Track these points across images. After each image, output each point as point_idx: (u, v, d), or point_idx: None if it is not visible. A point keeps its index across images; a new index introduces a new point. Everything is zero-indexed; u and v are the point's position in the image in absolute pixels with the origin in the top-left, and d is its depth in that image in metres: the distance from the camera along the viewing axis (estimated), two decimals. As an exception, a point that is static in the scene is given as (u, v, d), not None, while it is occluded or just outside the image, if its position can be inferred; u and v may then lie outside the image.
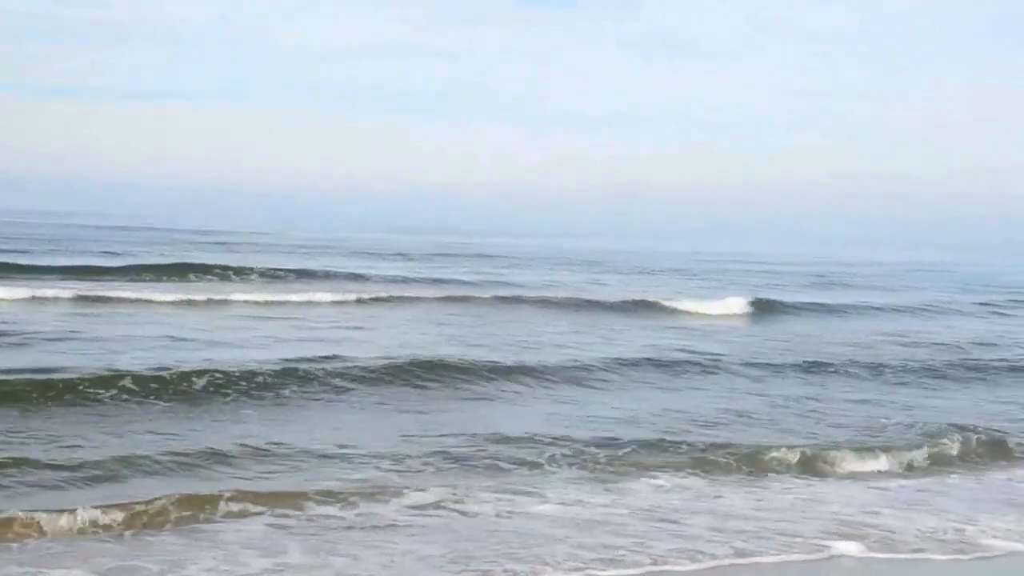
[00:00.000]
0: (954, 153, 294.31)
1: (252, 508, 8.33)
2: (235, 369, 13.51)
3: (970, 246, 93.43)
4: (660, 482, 9.88)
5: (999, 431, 12.74)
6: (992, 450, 11.85)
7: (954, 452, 11.55)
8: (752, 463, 10.64)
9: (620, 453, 10.74)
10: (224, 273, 31.60)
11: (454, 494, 8.95)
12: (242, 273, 31.91)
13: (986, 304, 32.65)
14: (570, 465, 10.26)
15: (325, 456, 10.18)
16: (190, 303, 23.39)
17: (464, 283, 33.02)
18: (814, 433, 12.36)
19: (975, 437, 12.02)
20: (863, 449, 11.36)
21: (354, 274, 33.78)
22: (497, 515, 8.59)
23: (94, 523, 7.82)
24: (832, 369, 17.19)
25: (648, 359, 16.95)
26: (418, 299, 26.58)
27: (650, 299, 28.36)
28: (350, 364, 14.53)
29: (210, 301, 23.79)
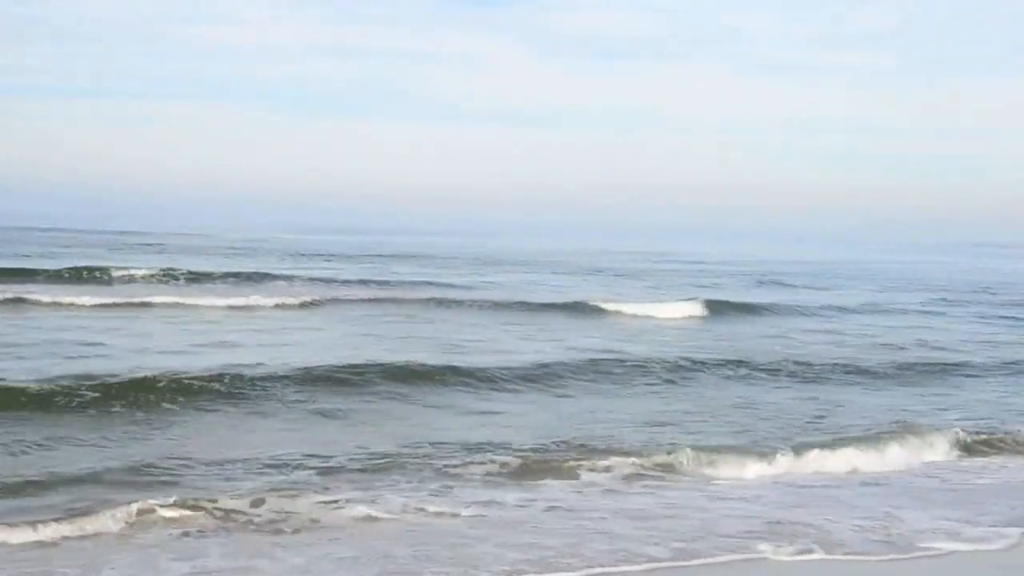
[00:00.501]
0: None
1: (168, 514, 8.42)
2: (158, 376, 13.49)
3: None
4: (577, 483, 10.13)
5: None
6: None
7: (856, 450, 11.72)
8: (664, 467, 10.82)
9: (538, 456, 10.92)
10: (138, 275, 31.27)
11: (372, 498, 9.11)
12: (169, 275, 31.63)
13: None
14: (489, 468, 10.43)
15: (245, 460, 10.31)
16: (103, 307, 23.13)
17: (394, 284, 32.97)
18: (739, 431, 12.69)
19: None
20: (768, 450, 11.53)
21: (274, 275, 33.51)
22: (416, 517, 8.78)
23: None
24: (760, 369, 17.55)
25: (578, 361, 17.13)
26: (348, 301, 26.52)
27: (584, 300, 28.49)
28: (273, 370, 14.57)
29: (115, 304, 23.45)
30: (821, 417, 13.92)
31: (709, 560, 8.07)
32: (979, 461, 11.91)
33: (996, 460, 12.05)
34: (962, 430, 12.68)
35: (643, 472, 10.59)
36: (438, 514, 8.87)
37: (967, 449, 12.28)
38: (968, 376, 18.22)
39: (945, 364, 19.18)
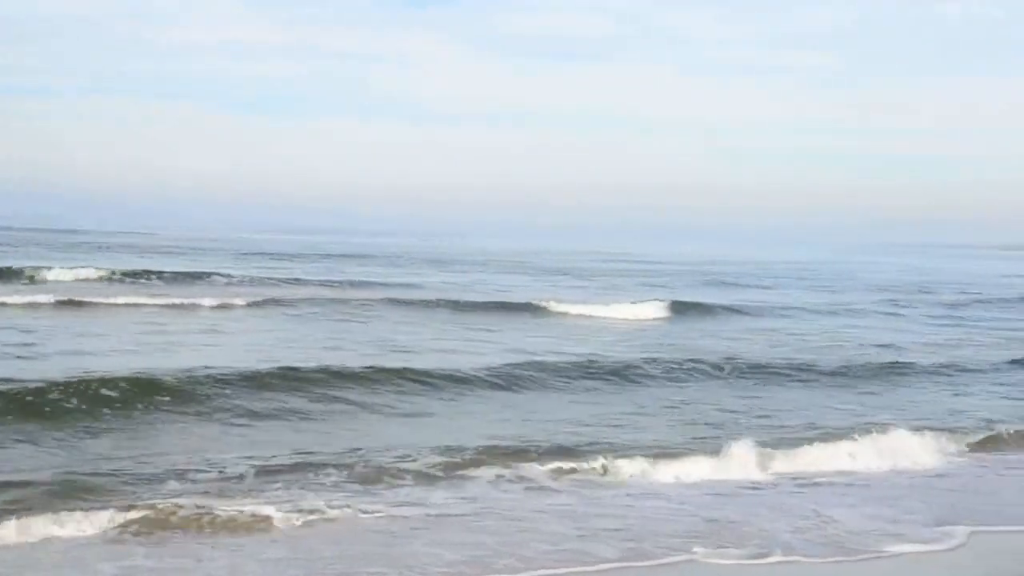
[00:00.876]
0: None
1: (95, 516, 8.30)
2: (88, 379, 13.21)
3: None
4: (511, 483, 10.11)
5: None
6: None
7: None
8: (599, 468, 10.77)
9: (473, 456, 10.85)
10: (76, 275, 30.84)
11: (302, 498, 9.05)
12: (111, 274, 31.24)
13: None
14: (422, 468, 10.34)
15: (178, 462, 10.23)
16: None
17: (341, 284, 32.77)
18: (678, 431, 12.76)
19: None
20: (701, 452, 11.48)
21: (220, 274, 33.22)
22: (346, 516, 8.74)
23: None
24: (705, 369, 17.61)
25: (521, 362, 17.02)
26: (295, 301, 26.26)
27: (533, 301, 28.48)
28: (211, 371, 14.37)
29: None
30: (761, 417, 13.99)
31: (657, 561, 8.06)
32: (903, 462, 11.87)
33: (920, 462, 12.01)
34: (882, 431, 12.68)
35: (578, 473, 10.58)
36: (369, 513, 8.85)
37: (893, 450, 12.25)
38: (906, 375, 18.32)
39: (891, 364, 19.23)
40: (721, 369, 17.60)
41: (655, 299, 30.13)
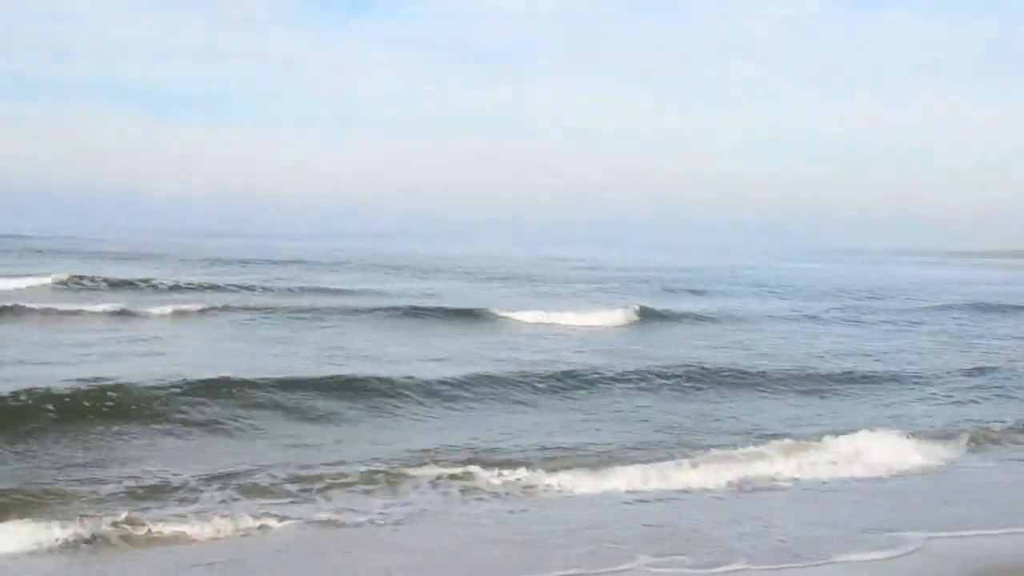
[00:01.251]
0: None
1: (21, 530, 8.09)
2: (19, 391, 12.79)
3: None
4: (447, 493, 9.95)
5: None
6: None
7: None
8: (551, 478, 10.64)
9: (412, 466, 10.68)
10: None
11: (235, 516, 8.79)
12: (40, 281, 30.56)
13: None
14: (356, 478, 10.13)
15: (105, 475, 10.03)
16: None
17: (294, 291, 32.31)
18: (622, 440, 12.66)
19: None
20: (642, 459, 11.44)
21: (150, 282, 32.55)
22: (285, 530, 8.58)
23: None
24: (651, 377, 17.47)
25: (466, 371, 16.75)
26: (234, 308, 25.84)
27: (479, 307, 28.31)
28: (143, 380, 13.98)
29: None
30: (712, 423, 13.98)
31: (604, 570, 7.98)
32: (843, 470, 11.81)
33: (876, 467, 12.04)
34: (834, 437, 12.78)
35: (523, 480, 10.44)
36: (307, 522, 8.71)
37: (847, 455, 12.26)
38: (862, 382, 18.40)
39: (848, 372, 19.24)
40: (675, 376, 17.51)
41: (612, 307, 30.03)
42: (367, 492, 9.75)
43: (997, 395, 17.65)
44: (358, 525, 8.75)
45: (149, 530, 8.23)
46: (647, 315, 29.17)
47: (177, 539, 8.19)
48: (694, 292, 42.07)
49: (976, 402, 16.95)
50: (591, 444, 12.27)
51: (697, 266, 68.50)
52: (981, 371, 20.10)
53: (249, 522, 8.56)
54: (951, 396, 17.42)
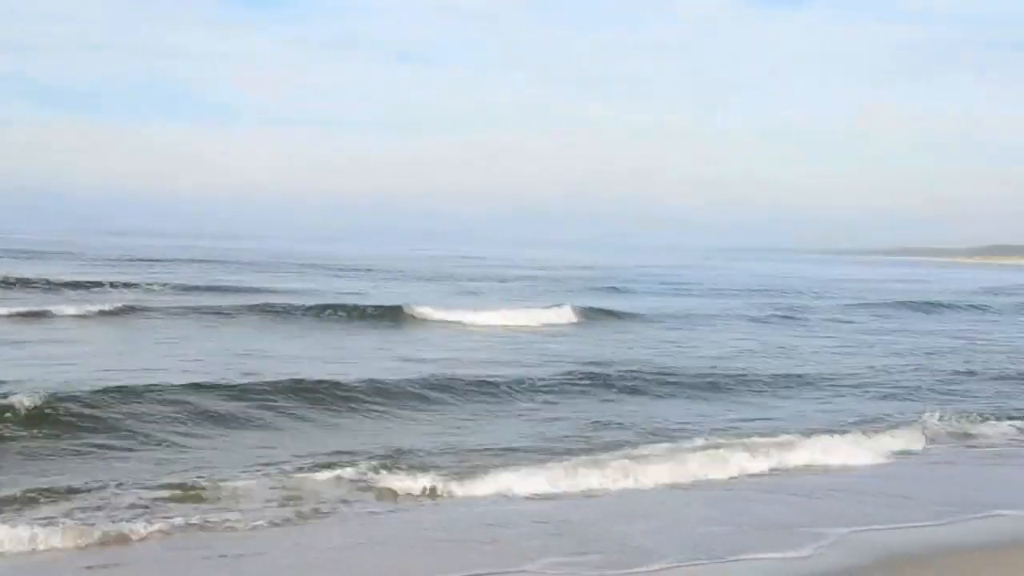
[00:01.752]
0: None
1: None
2: None
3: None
4: (343, 504, 9.56)
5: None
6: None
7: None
8: (455, 481, 10.39)
9: (303, 468, 10.44)
10: None
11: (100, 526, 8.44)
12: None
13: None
14: (250, 486, 9.75)
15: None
16: None
17: (208, 291, 31.75)
18: (523, 444, 12.38)
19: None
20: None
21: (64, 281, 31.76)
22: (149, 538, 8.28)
23: None
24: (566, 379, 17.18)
25: (378, 374, 16.25)
26: (154, 309, 25.18)
27: (398, 306, 27.94)
28: (44, 386, 13.16)
29: None
30: (633, 424, 13.81)
31: (509, 569, 7.90)
32: (752, 480, 11.57)
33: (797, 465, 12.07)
34: (761, 435, 12.88)
35: (426, 482, 10.16)
36: (192, 528, 8.45)
37: (770, 453, 12.25)
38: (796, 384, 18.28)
39: (785, 375, 18.97)
40: (599, 377, 17.26)
41: (548, 306, 29.80)
42: (256, 498, 9.38)
43: (919, 393, 17.76)
44: (247, 531, 8.50)
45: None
46: (587, 315, 29.06)
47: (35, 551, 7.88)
48: (618, 290, 42.32)
49: (913, 400, 17.11)
50: (497, 446, 12.05)
51: (610, 264, 69.06)
52: (915, 368, 20.46)
53: (123, 528, 8.28)
54: (881, 393, 17.54)
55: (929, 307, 39.48)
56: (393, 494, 9.87)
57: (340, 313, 26.67)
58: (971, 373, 20.31)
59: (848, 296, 45.12)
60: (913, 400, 16.92)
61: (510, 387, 16.07)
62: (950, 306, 40.79)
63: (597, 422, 13.88)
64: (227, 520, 8.67)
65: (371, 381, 15.39)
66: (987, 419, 15.07)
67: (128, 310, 24.78)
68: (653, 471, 11.18)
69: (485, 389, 15.77)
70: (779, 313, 33.47)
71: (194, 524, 8.53)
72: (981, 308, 41.04)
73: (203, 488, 9.51)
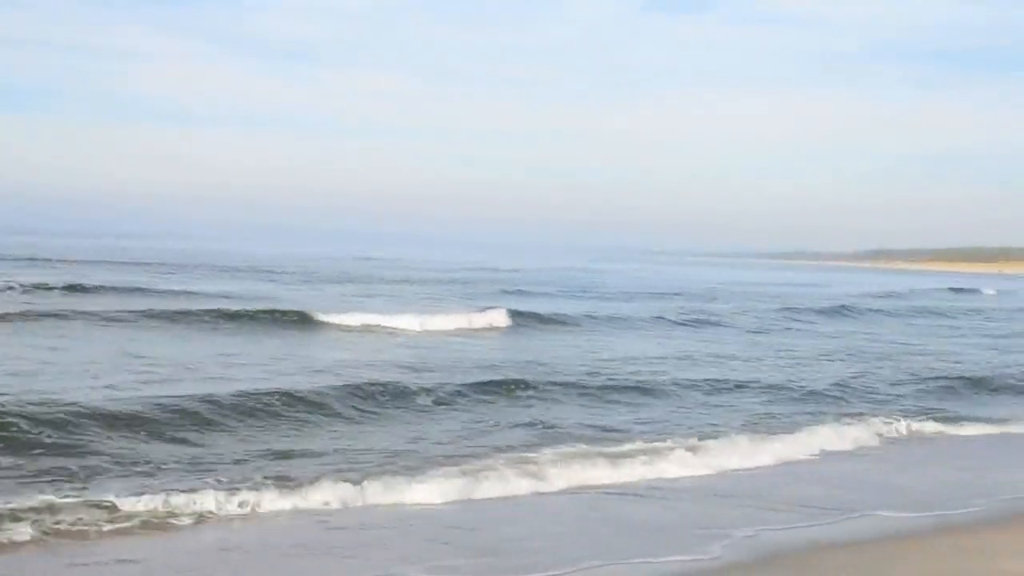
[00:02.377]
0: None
1: None
2: None
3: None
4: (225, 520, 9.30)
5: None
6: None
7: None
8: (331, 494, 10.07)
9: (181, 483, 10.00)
10: None
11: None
12: None
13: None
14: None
15: None
16: None
17: (92, 291, 30.42)
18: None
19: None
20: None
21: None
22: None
23: None
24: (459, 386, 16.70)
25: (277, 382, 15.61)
26: (32, 313, 23.35)
27: (298, 310, 27.11)
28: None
29: None
30: (543, 431, 13.60)
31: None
32: (679, 471, 11.90)
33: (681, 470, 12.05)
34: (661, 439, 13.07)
35: (297, 498, 9.85)
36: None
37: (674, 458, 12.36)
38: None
39: (712, 379, 19.01)
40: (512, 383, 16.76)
41: (475, 310, 29.36)
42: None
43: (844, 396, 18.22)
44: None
45: None
46: (516, 318, 28.65)
47: None
48: (526, 294, 42.05)
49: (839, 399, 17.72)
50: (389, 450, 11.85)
51: (511, 267, 68.97)
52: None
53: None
54: (800, 396, 17.89)
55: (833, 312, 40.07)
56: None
57: (255, 318, 25.35)
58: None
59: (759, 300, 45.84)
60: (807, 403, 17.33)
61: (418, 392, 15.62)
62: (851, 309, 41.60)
63: (497, 424, 13.81)
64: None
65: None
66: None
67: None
68: (553, 475, 11.19)
69: (387, 399, 15.12)
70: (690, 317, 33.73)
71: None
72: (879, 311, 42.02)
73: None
